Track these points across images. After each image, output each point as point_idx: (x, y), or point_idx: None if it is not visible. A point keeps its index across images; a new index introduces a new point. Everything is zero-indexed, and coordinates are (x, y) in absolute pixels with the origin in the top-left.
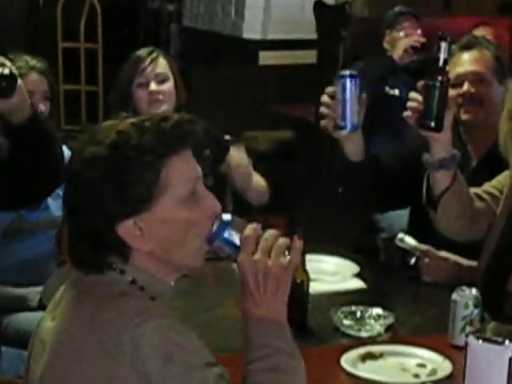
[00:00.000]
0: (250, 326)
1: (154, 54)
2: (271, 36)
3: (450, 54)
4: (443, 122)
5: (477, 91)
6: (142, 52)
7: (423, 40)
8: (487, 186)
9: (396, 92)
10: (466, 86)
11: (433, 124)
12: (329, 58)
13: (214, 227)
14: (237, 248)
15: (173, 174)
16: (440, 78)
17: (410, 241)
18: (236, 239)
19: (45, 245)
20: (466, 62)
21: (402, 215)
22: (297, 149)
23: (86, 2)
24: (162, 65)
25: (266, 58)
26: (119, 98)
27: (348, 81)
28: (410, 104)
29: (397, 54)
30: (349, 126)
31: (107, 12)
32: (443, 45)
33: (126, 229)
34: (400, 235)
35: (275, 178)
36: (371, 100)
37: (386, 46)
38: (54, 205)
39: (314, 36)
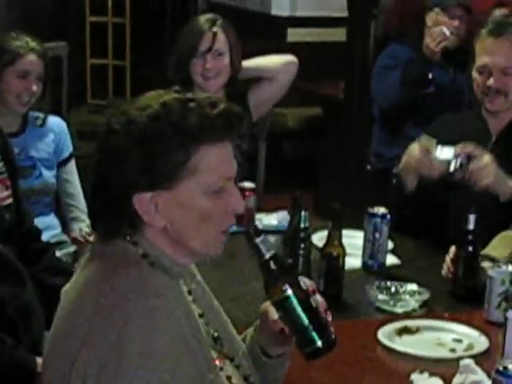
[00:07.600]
0: None
1: (214, 28)
2: (300, 13)
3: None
4: (476, 290)
5: (503, 84)
6: (204, 23)
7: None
8: None
9: (431, 90)
10: (492, 81)
11: (463, 292)
12: (359, 36)
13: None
14: None
15: (204, 162)
16: (470, 248)
17: (449, 149)
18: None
19: (37, 209)
20: (493, 51)
21: None
22: (325, 126)
23: None
24: (221, 40)
25: (295, 34)
26: (176, 66)
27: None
28: (445, 266)
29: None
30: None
31: None
32: (471, 217)
33: (142, 201)
34: (439, 148)
35: (303, 154)
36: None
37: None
38: (48, 173)
39: (342, 13)
